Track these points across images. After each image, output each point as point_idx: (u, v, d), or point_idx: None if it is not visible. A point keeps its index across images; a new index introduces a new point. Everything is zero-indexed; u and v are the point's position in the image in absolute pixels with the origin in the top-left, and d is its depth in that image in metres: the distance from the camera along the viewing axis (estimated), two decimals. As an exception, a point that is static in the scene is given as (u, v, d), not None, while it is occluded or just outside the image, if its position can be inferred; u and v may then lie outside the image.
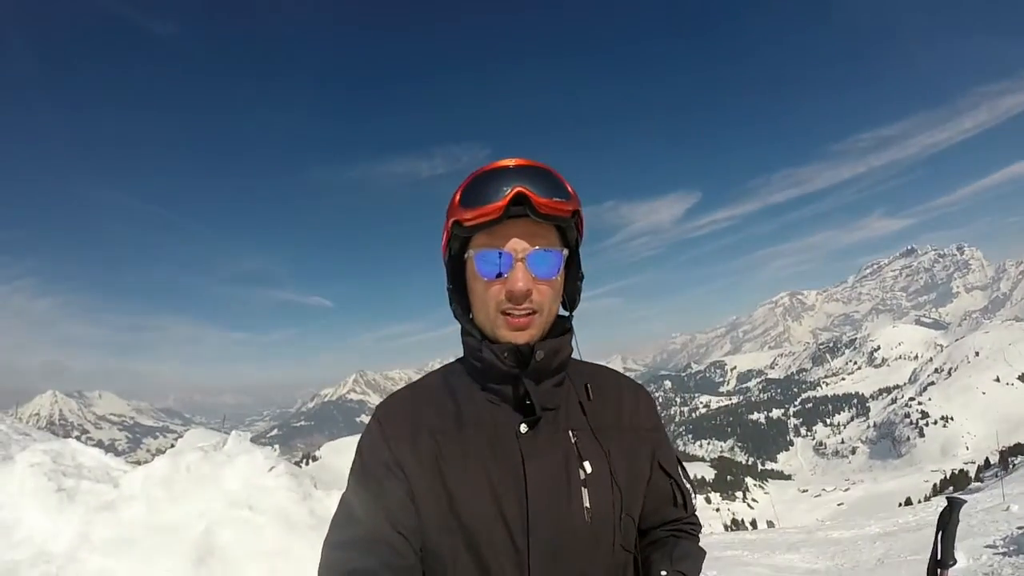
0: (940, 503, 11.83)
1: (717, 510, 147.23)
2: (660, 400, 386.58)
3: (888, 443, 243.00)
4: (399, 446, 1.25)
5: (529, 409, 1.25)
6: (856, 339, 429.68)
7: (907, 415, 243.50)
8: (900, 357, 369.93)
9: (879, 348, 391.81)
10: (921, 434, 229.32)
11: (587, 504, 1.23)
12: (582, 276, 1.37)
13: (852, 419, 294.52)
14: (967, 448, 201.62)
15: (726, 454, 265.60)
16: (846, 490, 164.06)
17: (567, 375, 1.34)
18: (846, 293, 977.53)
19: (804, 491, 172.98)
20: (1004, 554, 9.65)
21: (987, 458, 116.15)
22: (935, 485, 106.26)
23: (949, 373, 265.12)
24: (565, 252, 1.27)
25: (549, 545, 1.19)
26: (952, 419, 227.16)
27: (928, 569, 1.59)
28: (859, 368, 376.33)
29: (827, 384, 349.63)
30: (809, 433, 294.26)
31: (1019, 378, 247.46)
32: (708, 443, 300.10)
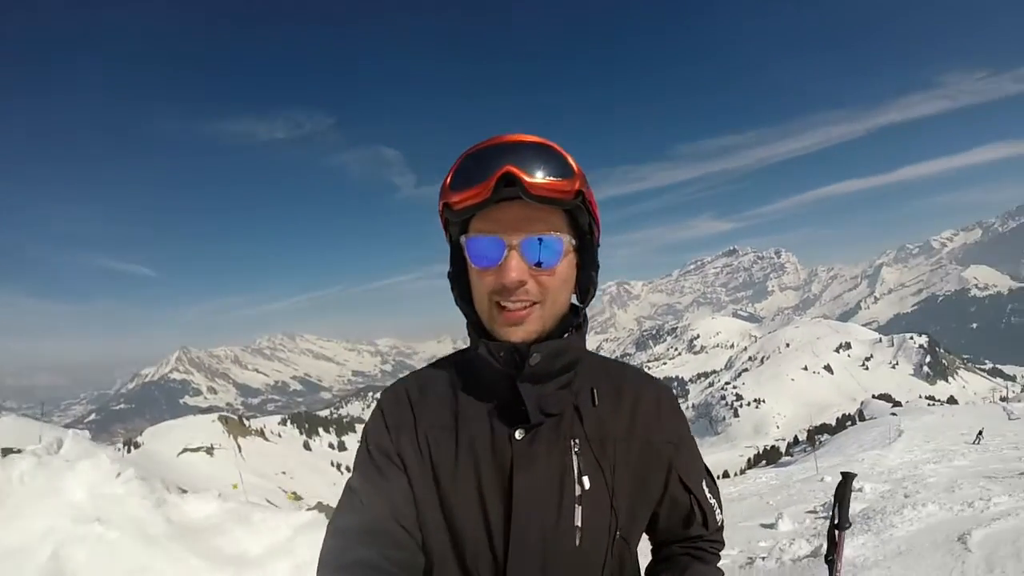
0: (756, 475, 20.96)
1: None
2: None
3: (706, 422, 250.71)
4: (400, 437, 1.19)
5: (526, 413, 1.13)
6: (677, 328, 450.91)
7: (723, 397, 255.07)
8: (717, 345, 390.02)
9: (698, 336, 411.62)
10: (736, 414, 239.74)
11: (579, 523, 1.13)
12: (597, 266, 1.20)
13: None
14: (777, 427, 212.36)
15: None
16: None
17: (577, 376, 1.20)
18: (670, 285, 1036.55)
19: None
20: (825, 518, 11.42)
21: (796, 436, 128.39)
22: (749, 459, 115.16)
23: (762, 361, 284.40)
24: (568, 238, 1.11)
25: (530, 564, 1.11)
26: (764, 401, 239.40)
27: (828, 532, 1.78)
28: (680, 354, 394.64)
29: (649, 368, 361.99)
30: None
31: (824, 368, 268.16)
32: None
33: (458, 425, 1.18)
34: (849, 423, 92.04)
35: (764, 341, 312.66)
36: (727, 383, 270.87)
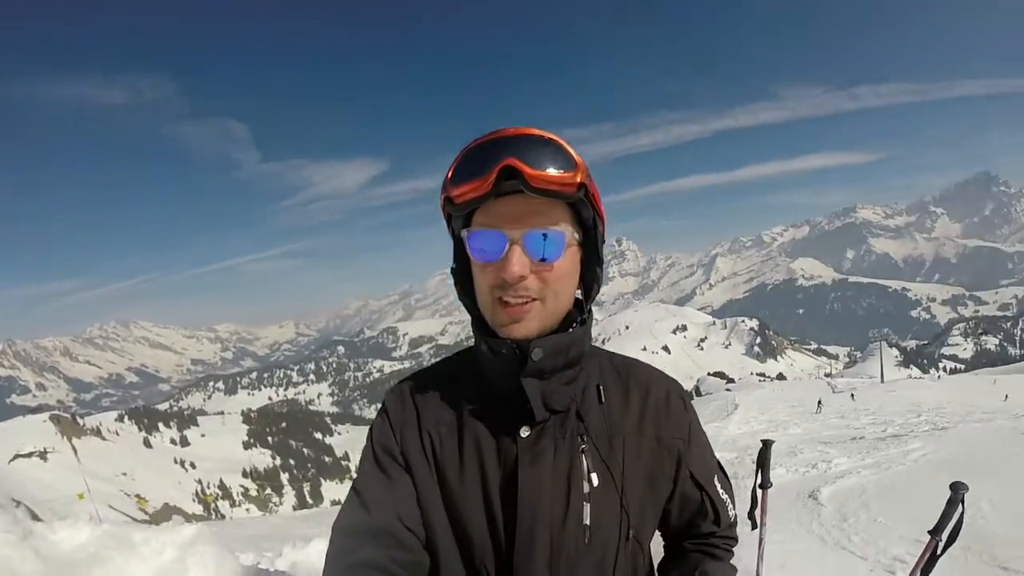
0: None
1: None
2: (334, 365, 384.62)
3: None
4: (404, 437, 1.18)
5: (532, 410, 1.12)
6: None
7: None
8: None
9: None
10: None
11: (587, 522, 1.11)
12: (601, 261, 1.18)
13: None
14: None
15: None
16: None
17: (582, 372, 1.18)
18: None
19: None
20: None
21: None
22: None
23: (603, 343, 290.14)
24: (570, 232, 1.08)
25: (538, 563, 1.10)
26: None
27: (752, 492, 1.98)
28: None
29: None
30: None
31: (663, 348, 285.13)
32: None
33: (462, 424, 1.17)
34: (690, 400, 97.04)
35: (605, 324, 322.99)
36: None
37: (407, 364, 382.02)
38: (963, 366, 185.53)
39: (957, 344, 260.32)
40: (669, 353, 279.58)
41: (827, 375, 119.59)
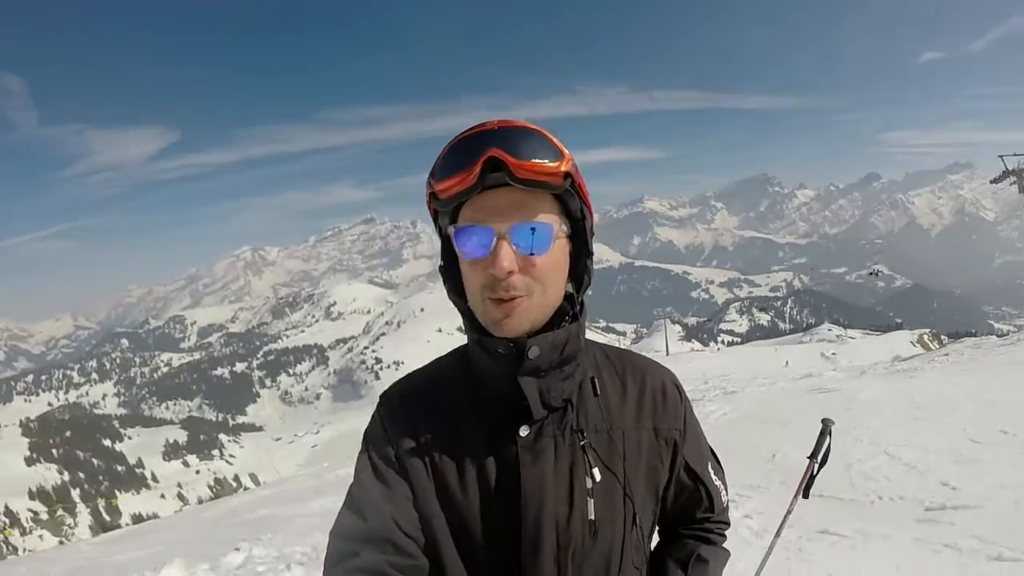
0: None
1: (197, 472, 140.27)
2: (118, 361, 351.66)
3: (349, 387, 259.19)
4: (401, 442, 1.15)
5: (529, 409, 1.09)
6: (314, 295, 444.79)
7: (363, 362, 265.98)
8: (355, 311, 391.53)
9: (335, 303, 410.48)
10: (377, 377, 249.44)
11: (592, 517, 1.11)
12: (591, 253, 1.15)
13: (313, 368, 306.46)
14: None
15: (195, 413, 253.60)
16: (316, 433, 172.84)
17: (579, 366, 1.16)
18: (307, 252, 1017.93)
19: (278, 439, 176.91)
20: None
21: None
22: None
23: (398, 325, 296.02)
24: (558, 225, 1.06)
25: (546, 561, 1.09)
26: (403, 363, 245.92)
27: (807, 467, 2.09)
28: (317, 321, 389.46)
29: (288, 336, 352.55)
30: (274, 384, 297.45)
31: (458, 329, 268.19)
32: (175, 403, 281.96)
33: (459, 425, 1.15)
34: None
35: (400, 306, 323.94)
36: (366, 347, 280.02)
37: (196, 355, 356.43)
38: (739, 339, 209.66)
39: (733, 320, 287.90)
40: (464, 334, 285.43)
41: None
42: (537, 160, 0.99)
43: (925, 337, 67.39)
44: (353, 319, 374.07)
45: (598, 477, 1.11)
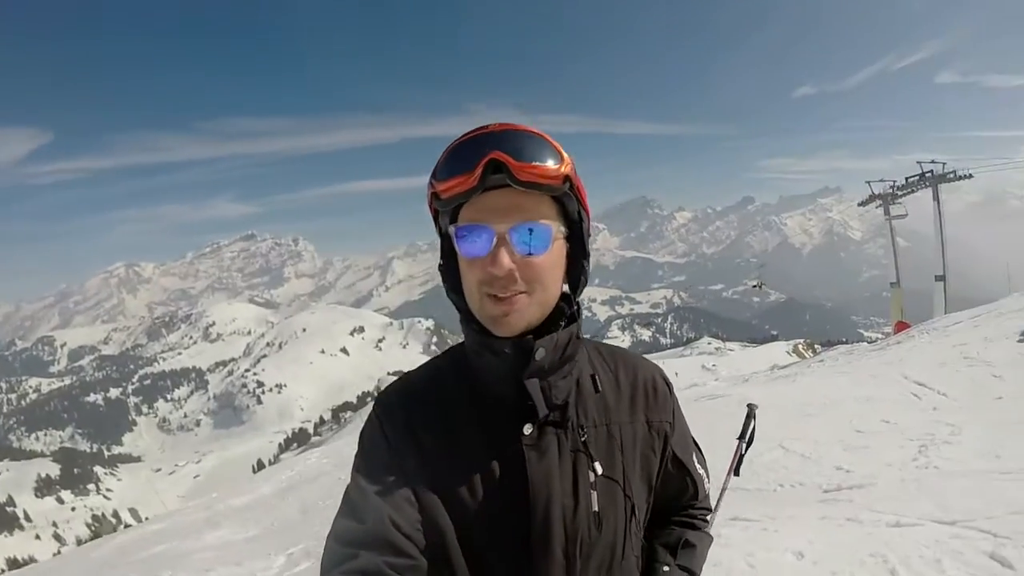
0: (304, 460, 19.02)
1: (73, 509, 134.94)
2: None
3: (230, 412, 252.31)
4: (399, 444, 1.16)
5: (533, 408, 1.12)
6: (192, 314, 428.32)
7: (245, 385, 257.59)
8: (235, 332, 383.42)
9: (214, 323, 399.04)
10: (259, 401, 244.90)
11: (595, 508, 1.14)
12: (588, 255, 1.18)
13: (192, 393, 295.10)
14: (302, 409, 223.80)
15: (67, 444, 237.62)
16: (198, 462, 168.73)
17: (577, 364, 1.20)
18: (184, 268, 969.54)
19: (158, 470, 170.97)
20: None
21: (321, 416, 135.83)
22: (280, 444, 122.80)
23: (280, 346, 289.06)
24: (556, 226, 1.09)
25: (555, 555, 1.12)
26: (286, 386, 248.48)
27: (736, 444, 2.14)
28: (195, 343, 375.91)
29: (164, 359, 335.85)
30: (151, 410, 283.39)
31: (341, 350, 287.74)
32: (45, 434, 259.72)
33: (459, 425, 1.16)
34: (369, 399, 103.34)
35: (281, 327, 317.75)
36: (247, 370, 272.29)
37: (67, 380, 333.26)
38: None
39: (616, 336, 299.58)
40: (348, 355, 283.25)
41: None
42: (538, 163, 1.03)
43: (800, 346, 70.75)
44: (233, 340, 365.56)
45: (600, 471, 1.15)
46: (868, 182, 35.57)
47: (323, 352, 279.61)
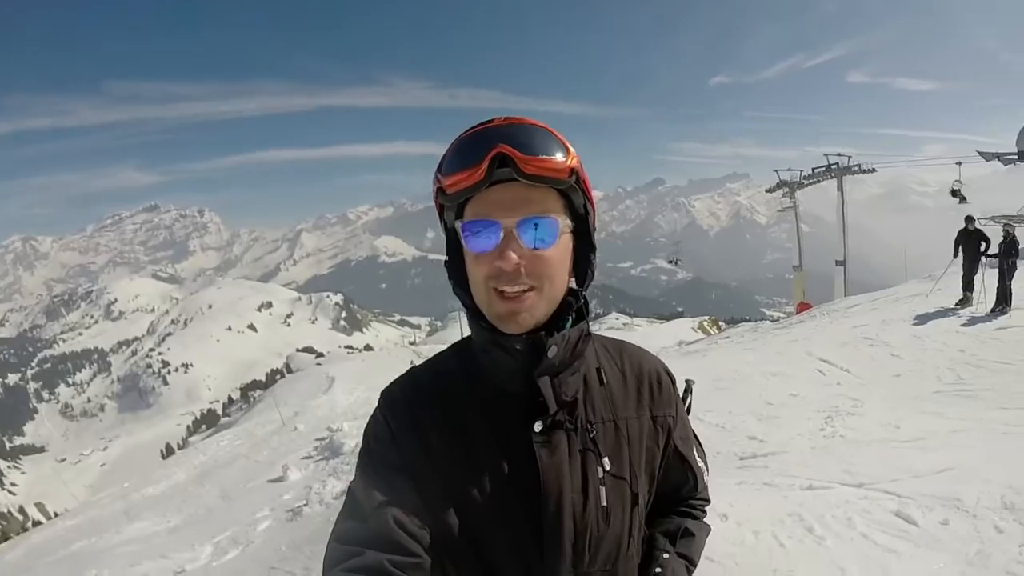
0: (216, 443, 19.45)
1: None
2: None
3: (135, 395, 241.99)
4: (405, 442, 1.14)
5: (543, 405, 1.12)
6: (93, 291, 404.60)
7: (149, 366, 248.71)
8: (138, 310, 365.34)
9: (116, 301, 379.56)
10: (165, 382, 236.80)
11: (604, 504, 1.14)
12: (595, 248, 1.19)
13: (95, 376, 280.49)
14: (209, 389, 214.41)
15: None
16: (104, 449, 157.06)
17: (585, 359, 1.20)
18: (84, 243, 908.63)
19: (63, 460, 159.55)
20: (320, 459, 11.68)
21: (230, 396, 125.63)
22: (188, 427, 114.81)
23: (185, 324, 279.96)
24: (563, 220, 1.08)
25: (566, 550, 1.12)
26: (192, 365, 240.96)
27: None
28: (96, 322, 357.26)
29: (64, 341, 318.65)
30: (53, 396, 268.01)
31: (249, 327, 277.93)
32: None
33: (467, 421, 1.15)
34: (279, 376, 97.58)
35: (186, 303, 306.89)
36: (152, 350, 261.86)
37: None
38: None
39: None
40: (256, 331, 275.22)
41: (412, 343, 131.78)
42: (544, 156, 1.02)
43: (705, 323, 71.88)
44: (136, 318, 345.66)
45: (608, 466, 1.15)
46: (776, 171, 36.37)
47: (230, 329, 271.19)
